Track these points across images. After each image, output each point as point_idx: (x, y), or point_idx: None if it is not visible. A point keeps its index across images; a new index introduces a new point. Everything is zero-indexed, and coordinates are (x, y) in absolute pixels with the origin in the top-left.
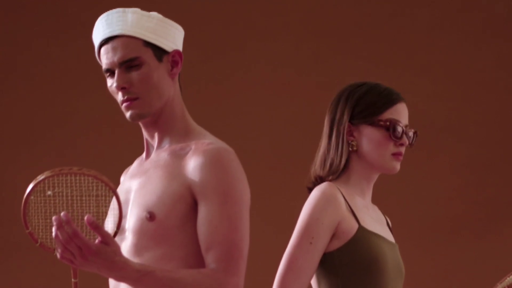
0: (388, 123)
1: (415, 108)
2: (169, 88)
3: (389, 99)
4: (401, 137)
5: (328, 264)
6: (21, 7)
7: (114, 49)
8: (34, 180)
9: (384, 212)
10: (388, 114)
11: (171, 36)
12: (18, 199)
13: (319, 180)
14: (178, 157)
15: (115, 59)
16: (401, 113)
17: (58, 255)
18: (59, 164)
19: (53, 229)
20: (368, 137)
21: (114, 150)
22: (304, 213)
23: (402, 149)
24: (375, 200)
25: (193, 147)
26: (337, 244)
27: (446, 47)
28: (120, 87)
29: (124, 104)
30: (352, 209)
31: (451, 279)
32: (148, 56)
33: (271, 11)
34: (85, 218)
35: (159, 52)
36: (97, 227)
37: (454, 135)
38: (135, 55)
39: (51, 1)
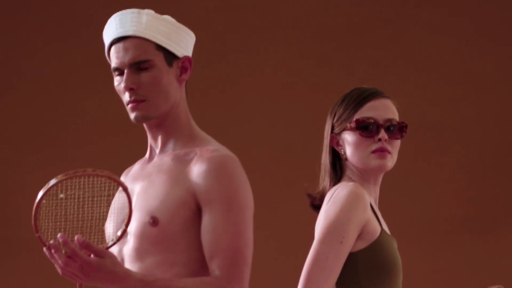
0: (356, 124)
1: (414, 110)
2: (176, 93)
3: (358, 100)
4: (374, 133)
5: (350, 264)
6: (27, 10)
7: (125, 49)
8: (47, 184)
9: (383, 212)
10: (359, 115)
11: (183, 42)
12: (24, 201)
13: (324, 191)
14: (182, 163)
15: (126, 59)
16: (376, 109)
17: (60, 272)
18: (65, 166)
19: (46, 253)
20: (347, 143)
21: (121, 153)
22: (333, 211)
23: (383, 144)
24: None
25: (197, 153)
26: (361, 245)
27: (443, 50)
28: (128, 88)
29: (130, 105)
30: (374, 210)
31: (450, 280)
32: (159, 59)
33: (274, 15)
34: (75, 238)
35: (170, 56)
36: (89, 245)
37: (453, 136)
38: (146, 58)
39: (58, 4)
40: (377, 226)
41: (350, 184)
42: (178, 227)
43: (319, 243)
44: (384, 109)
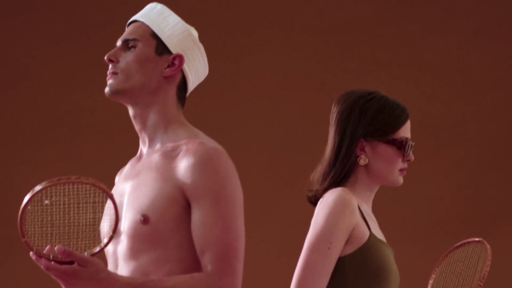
0: (401, 142)
1: (412, 109)
2: (157, 83)
3: (402, 118)
4: (406, 154)
5: (338, 269)
6: (28, 10)
7: (126, 30)
8: (31, 191)
9: (381, 212)
10: (401, 133)
11: (182, 41)
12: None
13: (320, 192)
14: (169, 158)
15: (122, 37)
16: (408, 131)
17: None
18: (66, 166)
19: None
20: (381, 154)
21: (121, 152)
22: (320, 217)
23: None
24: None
25: (183, 147)
26: (348, 250)
27: (443, 49)
28: (108, 59)
29: (107, 78)
30: (364, 215)
31: None
32: (147, 44)
33: (274, 15)
34: (55, 248)
35: (162, 48)
36: (70, 253)
37: (452, 135)
38: (134, 37)
39: (59, 4)
40: (366, 231)
41: (338, 189)
42: (169, 224)
43: (308, 249)
44: (409, 132)
